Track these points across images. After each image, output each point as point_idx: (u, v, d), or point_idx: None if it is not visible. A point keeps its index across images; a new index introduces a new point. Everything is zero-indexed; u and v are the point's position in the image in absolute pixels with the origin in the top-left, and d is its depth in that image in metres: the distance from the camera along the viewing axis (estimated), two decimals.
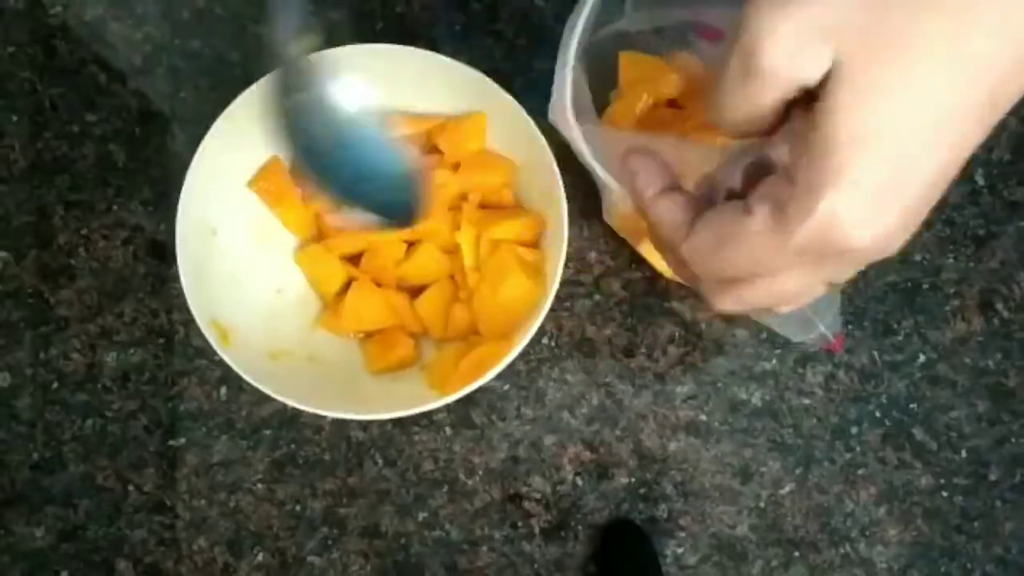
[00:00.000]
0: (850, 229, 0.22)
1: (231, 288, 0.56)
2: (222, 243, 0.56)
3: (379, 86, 0.57)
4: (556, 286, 0.51)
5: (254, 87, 0.53)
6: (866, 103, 0.21)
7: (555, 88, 0.45)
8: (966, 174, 0.69)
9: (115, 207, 0.69)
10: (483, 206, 0.57)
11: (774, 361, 0.69)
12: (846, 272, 0.24)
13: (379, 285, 0.58)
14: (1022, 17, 0.21)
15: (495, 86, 0.53)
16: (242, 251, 0.56)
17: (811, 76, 0.22)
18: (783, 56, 0.22)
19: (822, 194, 0.22)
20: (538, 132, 0.52)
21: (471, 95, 0.55)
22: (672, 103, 0.58)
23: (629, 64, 0.58)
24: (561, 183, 0.52)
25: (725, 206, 0.25)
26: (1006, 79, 0.21)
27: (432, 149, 0.59)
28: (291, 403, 0.51)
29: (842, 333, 0.67)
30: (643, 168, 0.28)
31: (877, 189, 0.21)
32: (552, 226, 0.55)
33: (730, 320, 0.69)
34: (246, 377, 0.51)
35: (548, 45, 0.62)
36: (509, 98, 0.53)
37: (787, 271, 0.24)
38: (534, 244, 0.56)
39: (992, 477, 0.69)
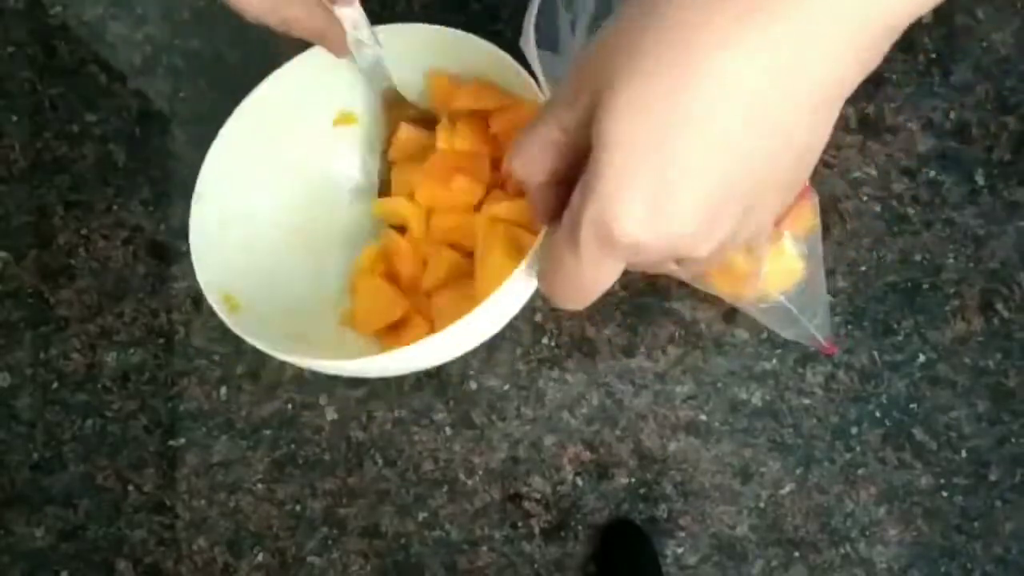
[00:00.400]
0: (619, 231, 0.25)
1: (255, 270, 0.55)
2: (240, 222, 0.55)
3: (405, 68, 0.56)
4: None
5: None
6: (620, 124, 0.24)
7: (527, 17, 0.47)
8: (966, 174, 0.69)
9: (115, 207, 0.69)
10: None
11: (774, 361, 0.69)
12: (654, 263, 0.27)
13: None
14: (785, 40, 0.23)
15: (517, 66, 0.52)
16: (256, 228, 0.55)
17: (581, 114, 0.26)
18: (559, 104, 0.27)
19: (589, 203, 0.25)
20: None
21: (489, 73, 0.55)
22: None
23: None
24: None
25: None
26: (760, 94, 0.24)
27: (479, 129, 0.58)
28: (289, 359, 0.48)
29: (833, 337, 0.67)
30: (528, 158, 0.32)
31: (640, 195, 0.24)
32: None
33: (730, 320, 0.69)
34: (247, 338, 0.48)
35: None
36: (533, 86, 0.52)
37: (590, 266, 0.27)
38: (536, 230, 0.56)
39: (992, 477, 0.69)
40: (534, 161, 0.29)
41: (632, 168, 0.24)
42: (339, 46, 0.49)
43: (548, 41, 0.55)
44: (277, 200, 0.57)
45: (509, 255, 0.53)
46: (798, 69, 0.23)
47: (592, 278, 0.27)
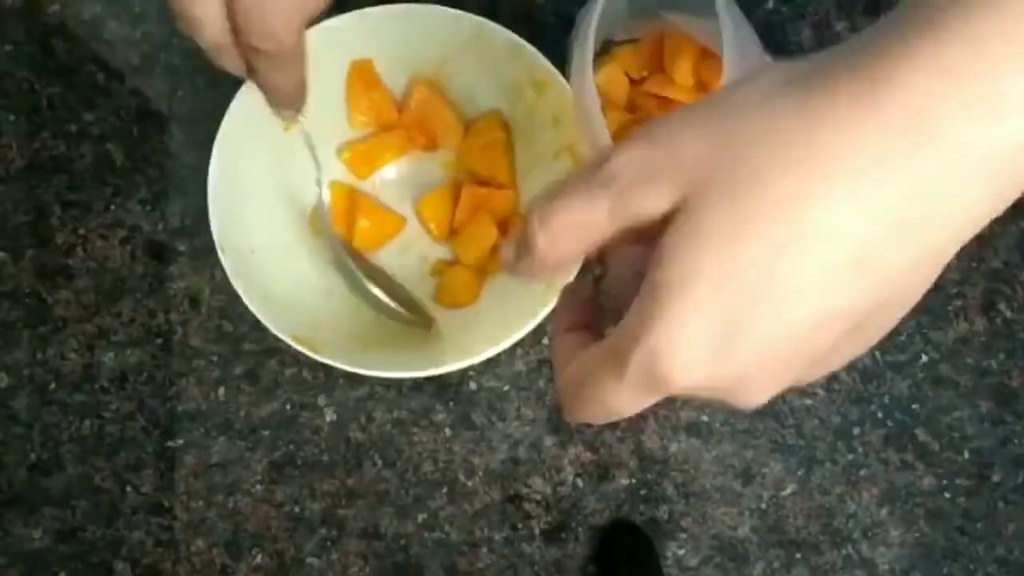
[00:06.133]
0: (675, 371, 0.21)
1: (296, 300, 0.56)
2: (262, 258, 0.56)
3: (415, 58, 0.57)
4: None
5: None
6: (701, 247, 0.21)
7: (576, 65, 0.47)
8: None
9: (113, 207, 0.69)
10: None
11: None
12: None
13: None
14: (888, 182, 0.20)
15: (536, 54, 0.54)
16: (284, 265, 0.56)
17: (649, 211, 0.21)
18: (621, 184, 0.22)
19: (646, 333, 0.21)
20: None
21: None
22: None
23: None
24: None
25: (590, 350, 0.24)
26: (871, 244, 0.20)
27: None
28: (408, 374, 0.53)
29: None
30: (563, 307, 0.27)
31: (706, 335, 0.21)
32: None
33: None
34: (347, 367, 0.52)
35: (548, 44, 0.62)
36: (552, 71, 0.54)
37: (630, 400, 0.23)
38: None
39: (995, 478, 0.68)
40: (568, 240, 0.23)
41: (706, 307, 0.20)
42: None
43: None
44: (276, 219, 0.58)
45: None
46: (922, 221, 0.20)
47: (629, 408, 0.23)
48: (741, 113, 0.21)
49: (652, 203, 0.21)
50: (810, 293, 0.20)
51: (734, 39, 0.44)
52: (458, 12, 0.54)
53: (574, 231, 0.22)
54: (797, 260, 0.20)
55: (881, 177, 0.20)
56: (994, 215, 0.21)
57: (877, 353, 0.68)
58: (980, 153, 0.19)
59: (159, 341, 0.68)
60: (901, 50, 0.20)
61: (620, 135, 0.57)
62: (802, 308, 0.20)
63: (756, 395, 0.22)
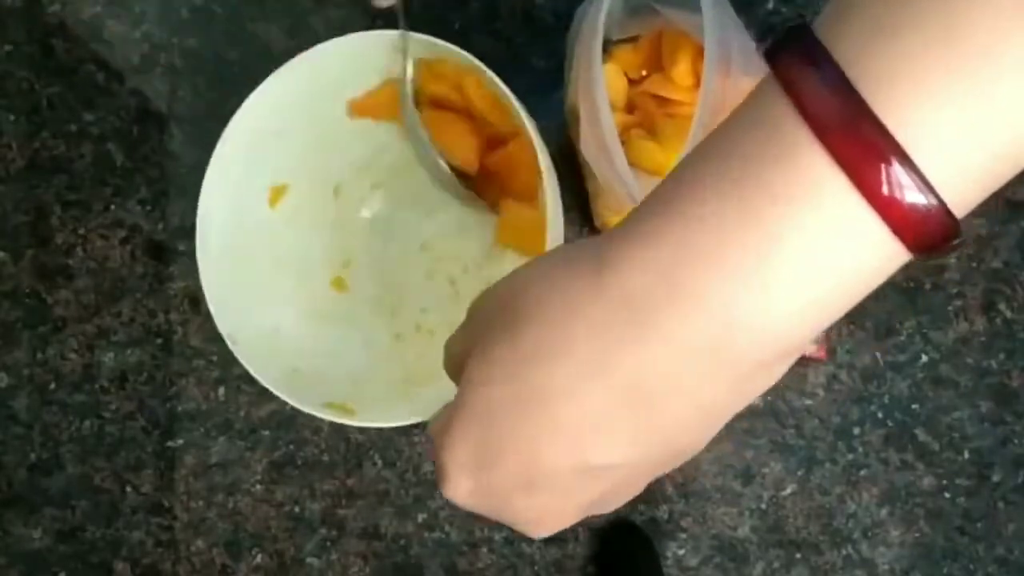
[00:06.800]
0: (446, 488, 0.24)
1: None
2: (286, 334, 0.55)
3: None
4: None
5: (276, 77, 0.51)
6: (466, 385, 0.24)
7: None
8: None
9: (113, 207, 0.69)
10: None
11: None
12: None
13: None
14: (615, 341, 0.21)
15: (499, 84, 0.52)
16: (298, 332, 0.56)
17: (462, 357, 0.25)
18: (447, 351, 0.27)
19: (435, 446, 0.25)
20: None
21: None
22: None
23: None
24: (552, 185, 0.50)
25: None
26: (606, 410, 0.22)
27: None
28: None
29: (823, 344, 0.67)
30: None
31: (464, 461, 0.23)
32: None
33: None
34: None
35: (547, 44, 0.62)
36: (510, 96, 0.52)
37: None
38: None
39: (995, 478, 0.68)
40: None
41: (465, 436, 0.23)
42: None
43: None
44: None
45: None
46: (652, 397, 0.21)
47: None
48: (523, 279, 0.24)
49: (459, 350, 0.25)
50: (561, 443, 0.22)
51: (717, 36, 0.44)
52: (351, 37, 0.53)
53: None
54: (538, 412, 0.22)
55: (607, 350, 0.21)
56: (742, 404, 0.23)
57: (877, 353, 0.68)
58: (695, 345, 0.20)
59: (159, 341, 0.68)
60: (627, 235, 0.21)
61: (620, 136, 0.57)
62: (556, 455, 0.22)
63: (536, 528, 0.24)
